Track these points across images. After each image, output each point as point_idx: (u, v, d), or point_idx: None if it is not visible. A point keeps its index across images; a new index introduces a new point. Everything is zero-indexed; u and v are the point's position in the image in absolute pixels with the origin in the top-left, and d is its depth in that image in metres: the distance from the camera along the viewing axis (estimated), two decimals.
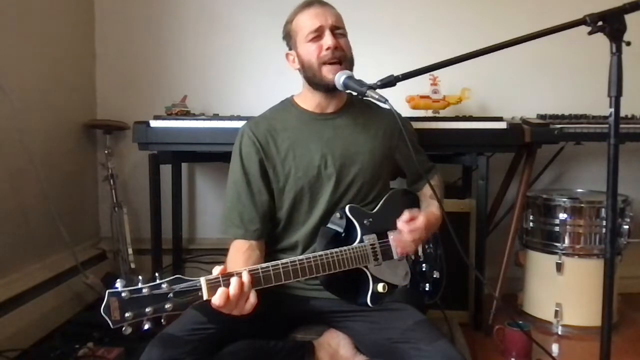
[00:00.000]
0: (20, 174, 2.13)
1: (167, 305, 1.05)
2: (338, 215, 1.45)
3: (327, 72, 1.46)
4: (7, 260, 2.06)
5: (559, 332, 2.25)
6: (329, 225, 1.46)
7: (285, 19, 1.55)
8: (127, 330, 1.02)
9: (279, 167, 1.49)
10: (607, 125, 1.20)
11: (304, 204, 1.49)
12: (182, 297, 1.07)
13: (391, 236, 1.44)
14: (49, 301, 2.20)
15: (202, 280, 1.10)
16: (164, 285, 1.06)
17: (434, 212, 1.52)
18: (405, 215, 1.42)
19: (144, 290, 1.04)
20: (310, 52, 1.47)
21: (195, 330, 1.27)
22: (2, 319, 1.93)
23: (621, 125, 1.20)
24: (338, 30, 1.48)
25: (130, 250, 2.53)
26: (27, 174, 2.14)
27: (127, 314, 1.02)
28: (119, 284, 1.03)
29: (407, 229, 1.40)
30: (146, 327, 1.04)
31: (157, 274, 1.08)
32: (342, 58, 1.47)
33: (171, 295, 1.06)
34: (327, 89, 1.49)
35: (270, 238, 1.53)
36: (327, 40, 1.45)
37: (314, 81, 1.49)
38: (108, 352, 1.86)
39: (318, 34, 1.46)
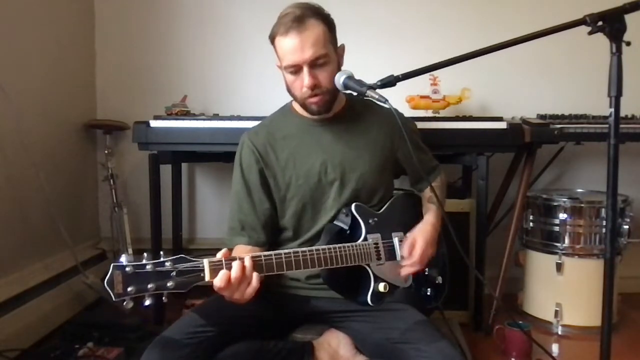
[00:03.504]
0: (20, 174, 2.13)
1: (169, 283, 1.07)
2: (344, 212, 1.46)
3: (310, 103, 1.43)
4: (7, 260, 2.06)
5: (559, 332, 2.25)
6: (335, 222, 1.46)
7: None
8: (129, 304, 1.04)
9: (279, 176, 1.49)
10: (607, 125, 1.19)
11: (307, 211, 1.49)
12: (185, 276, 1.09)
13: (400, 271, 1.43)
14: (49, 301, 2.20)
15: (205, 262, 1.12)
16: (167, 264, 1.07)
17: (431, 224, 1.50)
18: (405, 248, 1.43)
19: (148, 267, 1.06)
20: (290, 82, 1.43)
21: (194, 333, 1.27)
22: (2, 319, 1.93)
23: (621, 125, 1.20)
24: (318, 60, 1.38)
25: (130, 250, 2.53)
26: (27, 174, 2.14)
27: (129, 288, 1.03)
28: (123, 259, 1.05)
29: (410, 263, 1.42)
30: (147, 303, 1.05)
31: (161, 252, 1.10)
32: (323, 92, 1.42)
33: (174, 273, 1.07)
34: (312, 114, 1.47)
35: (277, 245, 1.52)
36: (305, 79, 1.38)
37: (301, 106, 1.48)
38: (108, 352, 1.86)
39: (295, 71, 1.40)
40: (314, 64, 1.38)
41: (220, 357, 1.29)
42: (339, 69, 1.44)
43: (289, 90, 1.47)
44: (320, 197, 1.48)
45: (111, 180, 2.58)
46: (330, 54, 1.41)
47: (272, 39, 1.43)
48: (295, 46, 1.36)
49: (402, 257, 1.44)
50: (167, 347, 1.23)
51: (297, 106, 1.55)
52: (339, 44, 1.48)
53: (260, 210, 1.48)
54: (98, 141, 2.77)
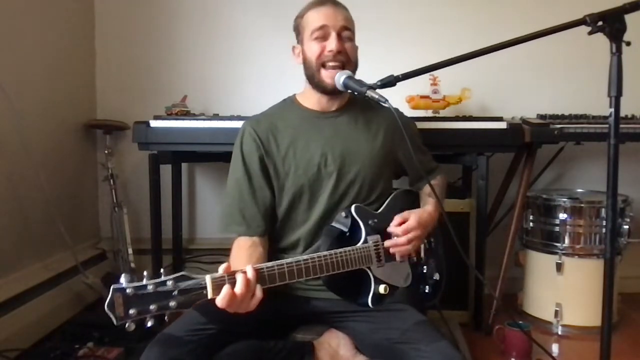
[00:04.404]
0: (20, 174, 2.13)
1: (172, 303, 1.04)
2: (343, 214, 1.45)
3: (325, 76, 1.46)
4: (7, 260, 2.06)
5: (559, 332, 2.25)
6: (334, 224, 1.46)
7: (289, 19, 1.55)
8: (131, 327, 1.01)
9: (279, 165, 1.49)
10: (607, 125, 1.20)
11: (303, 202, 1.49)
12: (187, 294, 1.06)
13: (387, 243, 1.43)
14: (49, 301, 2.20)
15: (208, 279, 1.09)
16: (169, 283, 1.04)
17: (427, 210, 1.51)
18: (396, 219, 1.44)
19: (149, 287, 1.02)
20: (312, 50, 1.47)
21: (195, 331, 1.27)
22: (2, 319, 1.93)
23: (621, 125, 1.20)
24: (346, 32, 1.46)
25: (130, 250, 2.53)
26: (27, 174, 2.14)
27: (131, 311, 1.00)
28: (123, 280, 1.02)
29: (400, 231, 1.42)
30: (149, 324, 1.02)
31: (162, 271, 1.07)
32: (345, 62, 1.46)
33: (176, 292, 1.04)
34: (324, 91, 1.49)
35: (271, 236, 1.53)
36: (331, 42, 1.44)
37: (313, 81, 1.50)
38: (108, 352, 1.87)
39: (323, 35, 1.45)
40: (341, 34, 1.45)
41: (220, 356, 1.29)
42: (357, 66, 1.49)
43: (306, 62, 1.49)
44: (317, 188, 1.49)
45: (111, 180, 2.58)
46: (354, 37, 1.50)
47: (300, 16, 1.51)
48: (329, 12, 1.46)
49: (389, 229, 1.44)
50: (168, 343, 1.23)
51: (300, 98, 1.57)
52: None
53: (261, 198, 1.48)
54: (98, 141, 2.77)
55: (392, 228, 1.43)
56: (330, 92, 1.48)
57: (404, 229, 1.42)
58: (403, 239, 1.42)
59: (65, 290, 2.33)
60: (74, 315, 2.32)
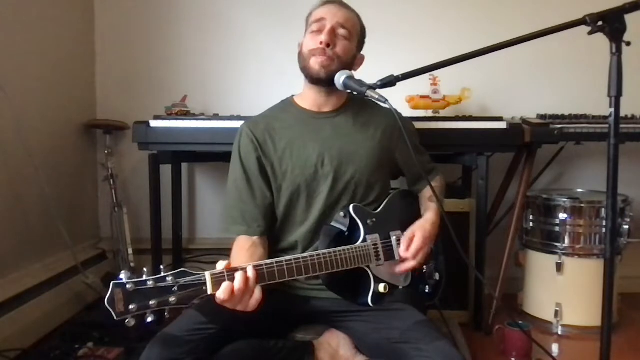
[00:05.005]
0: (20, 174, 2.13)
1: (172, 299, 1.04)
2: (342, 214, 1.45)
3: (314, 62, 1.46)
4: (7, 260, 2.06)
5: (559, 332, 2.25)
6: (333, 223, 1.46)
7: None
8: (131, 322, 1.02)
9: (276, 165, 1.49)
10: (607, 125, 1.20)
11: (301, 202, 1.49)
12: (187, 290, 1.06)
13: (398, 270, 1.43)
14: (49, 301, 2.20)
15: (207, 275, 1.10)
16: (169, 279, 1.05)
17: (429, 221, 1.51)
18: (403, 243, 1.44)
19: (149, 283, 1.03)
20: (307, 43, 1.49)
21: (195, 330, 1.27)
22: (2, 319, 1.93)
23: (621, 125, 1.20)
24: (342, 30, 1.47)
25: (130, 250, 2.53)
26: (27, 174, 2.14)
27: (131, 306, 1.01)
28: (123, 276, 1.02)
29: (410, 255, 1.42)
30: (149, 320, 1.03)
31: (162, 267, 1.08)
32: (333, 57, 1.45)
33: (176, 288, 1.05)
34: (312, 80, 1.49)
35: (271, 238, 1.53)
36: (324, 35, 1.45)
37: (304, 72, 1.51)
38: (108, 352, 1.87)
39: (319, 28, 1.47)
40: (336, 31, 1.47)
41: (220, 355, 1.29)
42: (350, 68, 1.48)
43: (301, 55, 1.51)
44: (314, 188, 1.48)
45: (111, 180, 2.58)
46: (353, 40, 1.51)
47: (309, 13, 1.54)
48: (332, 9, 1.50)
49: (399, 253, 1.44)
50: (168, 343, 1.23)
51: (298, 99, 1.57)
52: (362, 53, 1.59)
53: (260, 198, 1.48)
54: (98, 141, 2.77)
55: (402, 252, 1.43)
56: (317, 81, 1.48)
57: (414, 252, 1.42)
58: (413, 263, 1.42)
59: (65, 290, 2.33)
60: (74, 315, 2.33)
